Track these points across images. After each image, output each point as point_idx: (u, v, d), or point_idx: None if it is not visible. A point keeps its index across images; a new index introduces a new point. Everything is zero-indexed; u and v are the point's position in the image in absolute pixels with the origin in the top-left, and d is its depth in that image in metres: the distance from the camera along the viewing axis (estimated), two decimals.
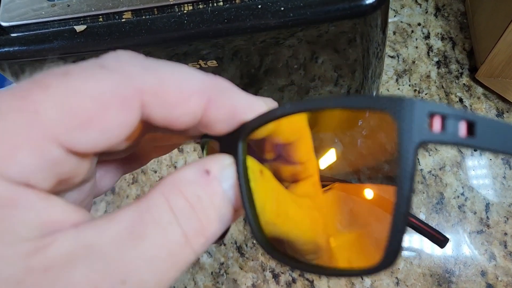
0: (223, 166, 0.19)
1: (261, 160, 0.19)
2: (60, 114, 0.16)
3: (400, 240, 0.14)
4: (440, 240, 0.28)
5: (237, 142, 0.19)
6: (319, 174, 0.18)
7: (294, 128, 0.18)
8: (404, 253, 0.39)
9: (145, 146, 0.26)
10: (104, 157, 0.24)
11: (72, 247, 0.15)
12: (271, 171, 0.19)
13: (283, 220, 0.18)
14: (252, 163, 0.19)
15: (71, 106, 0.16)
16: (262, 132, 0.19)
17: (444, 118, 0.14)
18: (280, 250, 0.18)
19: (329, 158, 0.18)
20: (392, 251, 0.14)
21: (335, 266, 0.17)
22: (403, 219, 0.14)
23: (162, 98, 0.18)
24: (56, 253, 0.15)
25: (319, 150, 0.18)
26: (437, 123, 0.14)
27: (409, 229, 0.39)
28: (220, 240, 0.25)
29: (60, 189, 0.19)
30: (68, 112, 0.16)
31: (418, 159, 0.41)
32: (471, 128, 0.14)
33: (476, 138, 0.14)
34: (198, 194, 0.18)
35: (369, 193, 0.20)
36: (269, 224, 0.18)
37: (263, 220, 0.19)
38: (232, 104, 0.19)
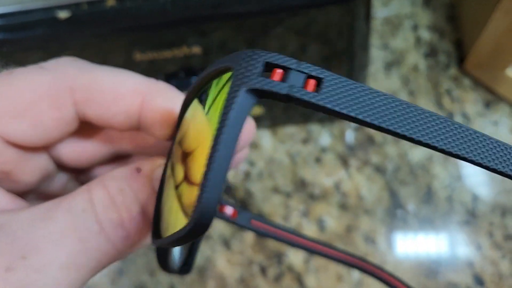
0: (155, 165, 0.19)
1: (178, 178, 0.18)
2: None
3: (207, 209, 0.12)
4: None
5: (171, 144, 0.19)
6: None
7: (196, 132, 0.16)
8: (394, 248, 0.39)
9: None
10: (82, 176, 0.24)
11: None
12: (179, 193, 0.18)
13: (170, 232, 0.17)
14: (170, 166, 0.18)
15: (7, 99, 0.18)
16: (184, 135, 0.18)
17: (286, 71, 0.13)
18: None
19: None
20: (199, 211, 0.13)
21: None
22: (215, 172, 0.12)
23: (95, 97, 0.19)
24: None
25: None
26: (277, 75, 0.13)
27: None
28: (187, 269, 0.25)
29: (9, 186, 0.19)
30: (3, 104, 0.18)
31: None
32: (316, 84, 0.13)
33: (319, 95, 0.12)
34: (121, 188, 0.18)
35: None
36: (163, 229, 0.18)
37: (161, 223, 0.18)
38: (167, 105, 0.19)
